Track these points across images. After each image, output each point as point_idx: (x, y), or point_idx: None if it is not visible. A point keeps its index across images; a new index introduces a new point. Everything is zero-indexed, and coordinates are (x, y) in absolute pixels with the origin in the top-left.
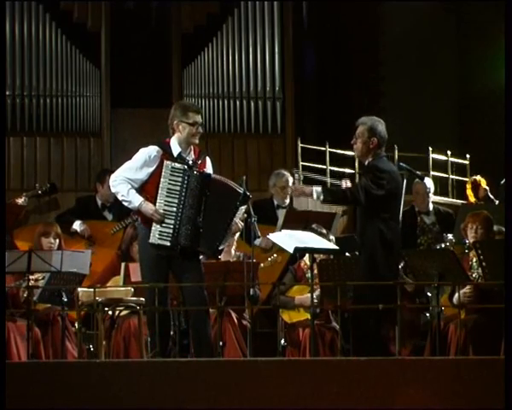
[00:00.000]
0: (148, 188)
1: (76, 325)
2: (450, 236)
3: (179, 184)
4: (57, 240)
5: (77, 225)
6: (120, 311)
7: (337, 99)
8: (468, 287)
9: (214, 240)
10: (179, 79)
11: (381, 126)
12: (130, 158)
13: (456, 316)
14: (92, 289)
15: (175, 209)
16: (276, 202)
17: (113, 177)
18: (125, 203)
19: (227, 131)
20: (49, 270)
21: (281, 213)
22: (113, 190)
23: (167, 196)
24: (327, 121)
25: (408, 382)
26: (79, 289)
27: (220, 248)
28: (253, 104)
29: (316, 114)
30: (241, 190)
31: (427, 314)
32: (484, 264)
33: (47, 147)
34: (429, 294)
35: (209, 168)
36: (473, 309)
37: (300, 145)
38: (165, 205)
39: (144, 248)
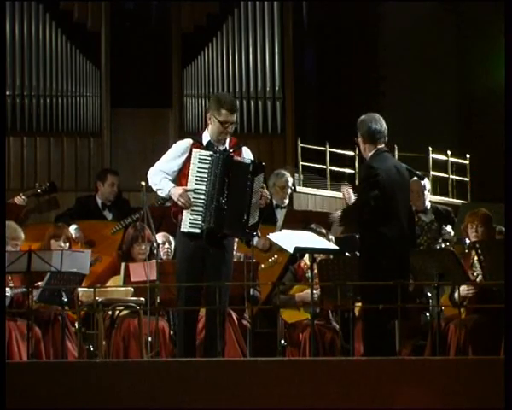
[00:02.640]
0: (182, 181)
1: (76, 324)
2: (448, 228)
3: (206, 170)
4: (67, 244)
5: (72, 230)
6: (120, 311)
7: (337, 99)
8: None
9: (240, 220)
10: (179, 79)
11: (368, 122)
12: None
13: (456, 316)
14: (92, 289)
15: (203, 197)
16: (274, 202)
17: (149, 171)
18: (159, 192)
19: None
20: (49, 270)
21: (279, 213)
22: (149, 182)
23: (196, 184)
24: (327, 121)
25: (408, 382)
26: (79, 289)
27: (250, 224)
28: (253, 104)
29: (316, 114)
30: (248, 161)
31: (427, 314)
32: (484, 264)
33: (47, 147)
34: (429, 294)
35: (247, 157)
36: (473, 309)
37: (300, 145)
38: (195, 193)
39: (179, 243)
